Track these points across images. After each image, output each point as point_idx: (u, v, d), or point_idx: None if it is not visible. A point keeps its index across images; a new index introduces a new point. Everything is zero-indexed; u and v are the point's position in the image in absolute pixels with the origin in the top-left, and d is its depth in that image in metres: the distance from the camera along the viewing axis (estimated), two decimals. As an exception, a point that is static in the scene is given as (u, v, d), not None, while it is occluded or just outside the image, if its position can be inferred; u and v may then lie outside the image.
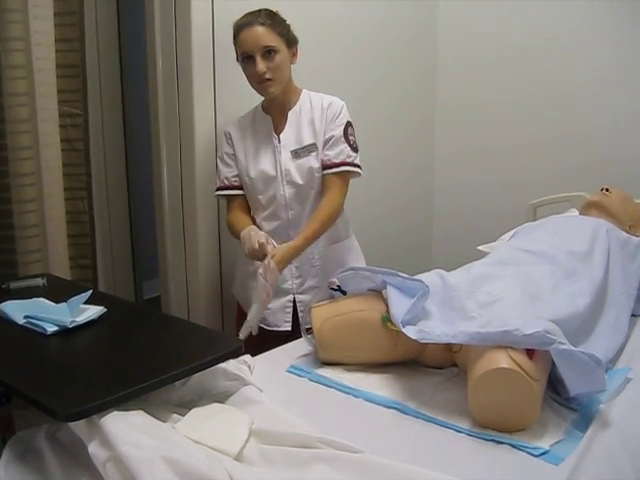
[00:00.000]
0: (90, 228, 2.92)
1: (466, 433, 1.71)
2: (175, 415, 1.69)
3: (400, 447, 1.65)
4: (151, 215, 3.09)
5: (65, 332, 1.90)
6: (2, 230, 2.62)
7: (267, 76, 2.49)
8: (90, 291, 2.06)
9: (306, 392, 1.99)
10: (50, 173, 2.71)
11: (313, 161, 2.57)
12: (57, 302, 2.07)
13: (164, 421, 1.64)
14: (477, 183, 3.95)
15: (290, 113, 2.62)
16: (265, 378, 1.97)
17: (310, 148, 2.58)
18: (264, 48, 2.47)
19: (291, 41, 2.54)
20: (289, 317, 2.66)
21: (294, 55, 2.57)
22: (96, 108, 3.03)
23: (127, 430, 1.47)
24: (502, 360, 1.69)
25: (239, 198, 2.67)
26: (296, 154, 2.58)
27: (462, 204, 4.03)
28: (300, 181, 2.58)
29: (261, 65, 2.47)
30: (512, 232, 2.86)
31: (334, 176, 2.57)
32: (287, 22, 2.55)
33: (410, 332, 1.90)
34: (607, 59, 3.40)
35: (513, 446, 1.64)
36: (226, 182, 2.66)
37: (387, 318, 2.03)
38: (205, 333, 2.14)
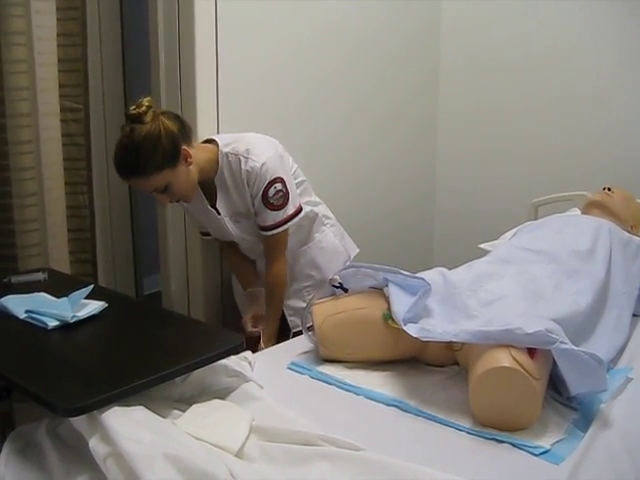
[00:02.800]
0: (90, 223, 2.91)
1: (467, 432, 1.71)
2: (176, 411, 1.69)
3: (401, 445, 1.65)
4: (152, 210, 3.09)
5: (66, 327, 1.91)
6: (2, 224, 2.62)
7: (176, 200, 2.45)
8: (91, 286, 2.06)
9: (307, 389, 1.99)
10: (51, 167, 2.71)
11: (253, 221, 2.57)
12: (58, 297, 2.07)
13: (165, 417, 1.64)
14: (479, 182, 3.95)
15: (216, 180, 2.51)
16: (266, 375, 1.97)
17: (246, 214, 2.55)
18: (153, 191, 2.36)
19: (173, 159, 2.31)
20: None
21: (186, 158, 2.34)
22: (97, 103, 3.02)
23: (128, 426, 1.48)
24: (504, 359, 1.69)
25: None
26: (237, 220, 2.58)
27: (464, 203, 4.02)
28: (249, 237, 2.61)
29: (163, 198, 2.41)
30: (514, 231, 2.86)
31: (268, 237, 2.55)
32: (158, 144, 2.27)
33: (411, 330, 1.90)
34: (611, 62, 3.39)
35: (514, 445, 1.64)
36: (201, 229, 2.79)
37: (388, 316, 2.03)
38: (206, 329, 2.15)
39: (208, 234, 2.76)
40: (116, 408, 1.52)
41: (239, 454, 1.56)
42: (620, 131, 3.40)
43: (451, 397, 1.88)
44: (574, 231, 2.51)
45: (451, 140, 4.05)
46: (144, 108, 2.28)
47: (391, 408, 1.85)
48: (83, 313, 1.95)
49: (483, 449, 1.64)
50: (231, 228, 2.59)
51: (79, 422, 1.53)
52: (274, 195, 2.46)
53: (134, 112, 2.28)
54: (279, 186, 2.46)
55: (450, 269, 2.32)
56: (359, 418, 1.80)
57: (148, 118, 2.28)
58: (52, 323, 1.90)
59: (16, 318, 1.96)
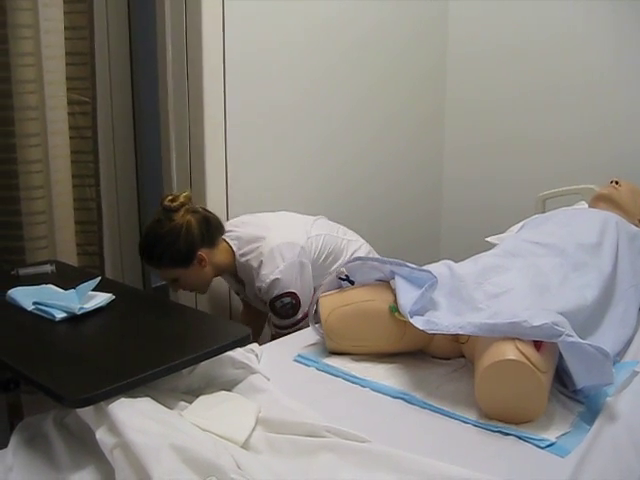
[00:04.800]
0: (98, 215, 2.92)
1: (472, 424, 1.72)
2: (182, 403, 1.70)
3: (406, 437, 1.65)
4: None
5: (73, 319, 1.91)
6: (10, 216, 2.63)
7: (186, 290, 2.61)
8: (99, 278, 2.07)
9: (313, 381, 1.99)
10: (58, 160, 2.71)
11: None
12: (65, 289, 2.07)
13: (171, 408, 1.64)
14: (486, 175, 3.94)
15: (240, 276, 2.63)
16: (272, 367, 1.97)
17: None
18: (163, 279, 2.56)
19: (186, 261, 2.44)
20: None
21: (201, 261, 2.46)
22: (105, 96, 3.02)
23: (134, 417, 1.48)
24: (509, 352, 1.69)
25: None
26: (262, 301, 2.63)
27: (471, 196, 4.01)
28: None
29: (174, 287, 2.59)
30: (521, 224, 2.85)
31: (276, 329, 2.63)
32: (175, 243, 2.41)
33: (418, 322, 1.90)
34: (621, 52, 3.37)
35: (519, 438, 1.64)
36: None
37: (395, 308, 2.03)
38: (212, 321, 2.15)
39: None
40: (123, 399, 1.53)
41: (245, 445, 1.57)
42: (628, 124, 3.38)
43: (457, 390, 1.88)
44: (581, 224, 2.51)
45: (458, 133, 4.04)
46: (177, 204, 2.42)
47: (397, 400, 1.86)
48: (90, 305, 1.95)
49: (489, 442, 1.64)
50: (258, 305, 2.71)
51: (86, 413, 1.54)
52: (281, 307, 2.51)
53: (167, 204, 2.42)
54: (287, 300, 2.50)
55: (457, 262, 2.32)
56: (365, 410, 1.81)
57: (178, 215, 2.41)
58: (59, 315, 1.90)
59: (24, 310, 1.96)
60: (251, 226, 2.63)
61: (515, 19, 3.70)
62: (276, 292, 2.48)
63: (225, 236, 2.59)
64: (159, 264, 2.46)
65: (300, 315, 2.53)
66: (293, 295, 2.49)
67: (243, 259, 2.54)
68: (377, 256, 2.81)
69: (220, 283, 2.87)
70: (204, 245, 2.46)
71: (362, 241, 2.84)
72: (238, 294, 2.88)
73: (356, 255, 2.71)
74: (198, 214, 2.47)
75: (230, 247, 2.57)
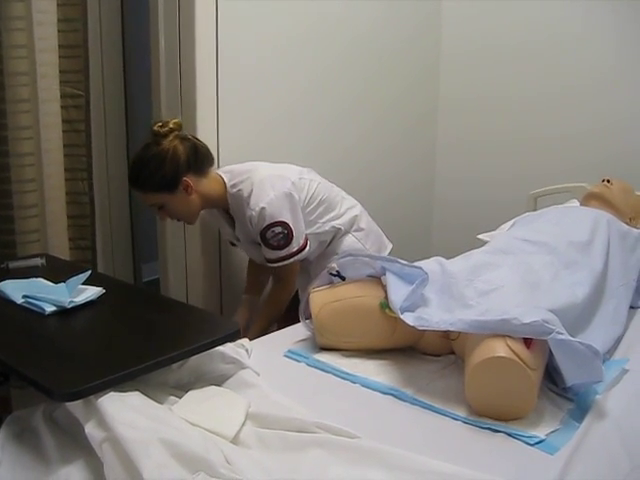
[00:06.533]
0: (90, 209, 2.91)
1: (462, 421, 1.72)
2: (172, 397, 1.70)
3: (396, 433, 1.65)
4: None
5: (63, 312, 1.91)
6: (1, 210, 2.62)
7: (173, 219, 2.58)
8: (89, 271, 2.06)
9: (303, 377, 1.99)
10: (50, 154, 2.70)
11: None
12: (56, 282, 2.07)
13: (161, 403, 1.64)
14: (478, 173, 3.94)
15: (231, 212, 2.62)
16: (263, 362, 1.97)
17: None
18: (150, 206, 2.50)
19: (171, 185, 2.42)
20: None
21: (187, 188, 2.44)
22: (98, 89, 3.02)
23: (124, 411, 1.48)
24: (500, 349, 1.69)
25: None
26: (254, 246, 2.63)
27: (463, 193, 4.02)
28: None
29: (160, 214, 2.54)
30: (512, 221, 2.86)
31: (274, 268, 2.58)
32: (161, 167, 2.39)
33: (408, 319, 1.90)
34: (612, 53, 3.38)
35: (509, 435, 1.64)
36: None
37: (386, 304, 2.03)
38: (203, 316, 2.15)
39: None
40: (112, 393, 1.53)
41: (235, 440, 1.57)
42: (620, 123, 3.39)
43: (447, 386, 1.88)
44: (572, 222, 2.52)
45: (451, 130, 4.05)
46: (166, 129, 2.41)
47: (387, 396, 1.86)
48: (80, 299, 1.95)
49: (478, 438, 1.65)
50: (250, 252, 2.70)
51: (75, 407, 1.54)
52: (273, 237, 2.48)
53: (156, 130, 2.41)
54: (278, 229, 2.47)
55: (448, 259, 2.32)
56: (355, 406, 1.81)
57: (166, 140, 2.40)
58: (49, 308, 1.90)
59: (13, 303, 1.96)
60: (244, 164, 2.64)
61: (508, 18, 3.71)
62: (267, 221, 2.46)
63: (217, 170, 2.60)
64: (144, 188, 2.44)
65: (295, 247, 2.51)
66: (284, 224, 2.47)
67: (234, 190, 2.53)
68: (371, 221, 2.85)
69: (211, 273, 2.87)
70: (190, 171, 2.44)
71: (357, 202, 2.85)
72: (233, 244, 2.84)
73: (350, 213, 2.76)
74: (187, 141, 2.46)
75: (221, 178, 2.57)
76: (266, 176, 2.52)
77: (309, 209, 2.60)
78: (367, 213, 2.88)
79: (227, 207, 2.60)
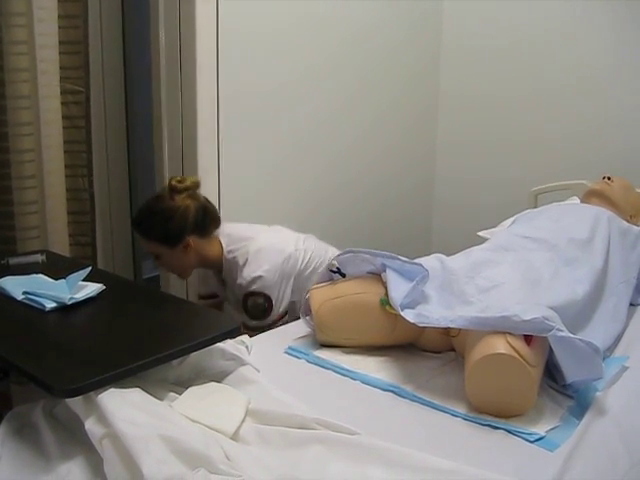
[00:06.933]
0: (90, 206, 2.91)
1: (462, 418, 1.72)
2: (172, 394, 1.70)
3: (396, 430, 1.65)
4: (151, 194, 3.08)
5: (63, 309, 1.91)
6: (1, 206, 2.62)
7: (168, 270, 2.65)
8: (89, 268, 2.06)
9: (303, 373, 1.99)
10: (51, 150, 2.70)
11: None
12: (56, 279, 2.07)
13: (161, 399, 1.64)
14: (478, 170, 3.94)
15: (224, 276, 2.66)
16: (263, 359, 1.97)
17: None
18: (148, 252, 2.56)
19: (172, 240, 2.46)
20: None
21: (187, 247, 2.48)
22: (98, 85, 3.01)
23: (124, 407, 1.48)
24: (500, 345, 1.69)
25: None
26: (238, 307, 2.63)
27: (463, 191, 4.02)
28: None
29: (156, 263, 2.61)
30: (512, 218, 2.85)
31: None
32: (168, 222, 2.44)
33: (408, 315, 1.90)
34: (611, 50, 3.38)
35: (509, 431, 1.64)
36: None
37: (386, 301, 2.03)
38: (203, 312, 2.15)
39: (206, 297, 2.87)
40: (112, 390, 1.53)
41: (235, 437, 1.57)
42: (620, 120, 3.39)
43: (447, 383, 1.89)
44: (573, 219, 2.51)
45: (451, 129, 4.05)
46: (183, 186, 2.45)
47: (387, 393, 1.86)
48: (80, 295, 1.95)
49: (478, 435, 1.65)
50: (234, 312, 2.68)
51: (75, 403, 1.54)
52: (252, 306, 2.52)
53: (173, 184, 2.46)
54: (260, 300, 2.51)
55: (449, 256, 2.32)
56: (355, 403, 1.81)
57: (179, 197, 2.44)
58: (49, 305, 1.90)
59: (13, 299, 1.95)
60: (243, 228, 2.65)
61: (509, 16, 3.71)
62: (253, 288, 2.49)
63: (217, 232, 2.60)
64: (147, 236, 2.49)
65: (268, 321, 2.53)
66: (267, 299, 2.50)
67: (230, 255, 2.56)
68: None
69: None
70: (195, 232, 2.48)
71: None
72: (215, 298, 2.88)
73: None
74: (198, 202, 2.49)
75: (220, 243, 2.59)
76: (263, 247, 2.53)
77: (303, 276, 2.60)
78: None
79: (221, 270, 2.62)
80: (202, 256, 2.54)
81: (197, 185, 2.51)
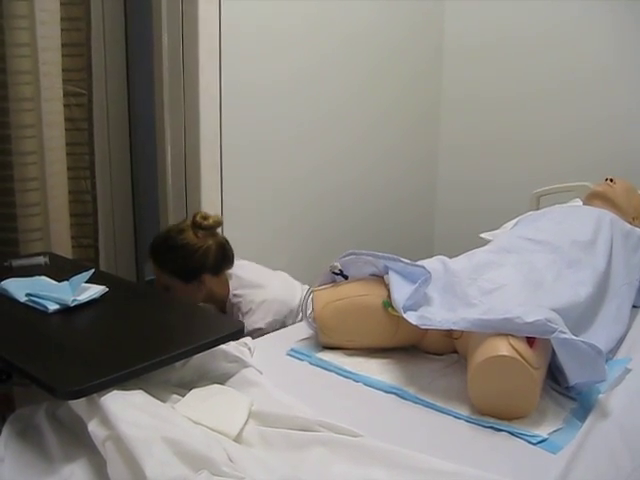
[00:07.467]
0: (93, 208, 2.92)
1: (465, 420, 1.72)
2: (175, 395, 1.69)
3: (399, 432, 1.65)
4: (154, 196, 3.09)
5: (66, 310, 1.91)
6: (4, 208, 2.62)
7: None
8: (92, 270, 2.06)
9: (306, 376, 1.99)
10: (53, 152, 2.70)
11: None
12: (59, 281, 2.07)
13: (164, 401, 1.64)
14: (481, 172, 3.94)
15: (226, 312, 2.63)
16: (265, 361, 1.97)
17: None
18: (158, 283, 2.55)
19: (189, 277, 2.48)
20: None
21: (201, 284, 2.50)
22: (101, 88, 3.02)
23: (127, 409, 1.48)
24: (502, 347, 1.69)
25: None
26: None
27: (466, 194, 4.01)
28: None
29: (162, 290, 2.56)
30: (515, 220, 2.85)
31: None
32: (188, 259, 2.45)
33: (411, 318, 1.90)
34: (614, 51, 3.38)
35: (512, 434, 1.64)
36: None
37: (388, 303, 2.03)
38: (206, 315, 2.15)
39: None
40: (115, 392, 1.53)
41: (237, 439, 1.57)
42: (622, 121, 3.39)
43: (450, 385, 1.88)
44: (575, 221, 2.51)
45: (453, 130, 4.04)
46: (207, 224, 2.47)
47: (390, 395, 1.86)
48: (84, 297, 1.95)
49: (481, 437, 1.65)
50: None
51: (78, 405, 1.54)
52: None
53: (198, 221, 2.47)
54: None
55: (451, 258, 2.32)
56: (358, 405, 1.81)
57: (201, 234, 2.47)
58: (52, 307, 1.90)
59: (17, 301, 1.95)
60: (254, 272, 2.64)
61: (511, 17, 3.71)
62: (252, 336, 2.46)
63: (230, 269, 2.60)
64: (162, 268, 2.50)
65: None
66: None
67: (235, 299, 2.56)
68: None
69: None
70: (211, 272, 2.50)
71: None
72: None
73: None
74: (219, 242, 2.51)
75: (228, 283, 2.59)
76: (269, 300, 2.52)
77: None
78: None
79: (224, 308, 2.61)
80: (211, 293, 2.55)
81: (219, 224, 2.53)
